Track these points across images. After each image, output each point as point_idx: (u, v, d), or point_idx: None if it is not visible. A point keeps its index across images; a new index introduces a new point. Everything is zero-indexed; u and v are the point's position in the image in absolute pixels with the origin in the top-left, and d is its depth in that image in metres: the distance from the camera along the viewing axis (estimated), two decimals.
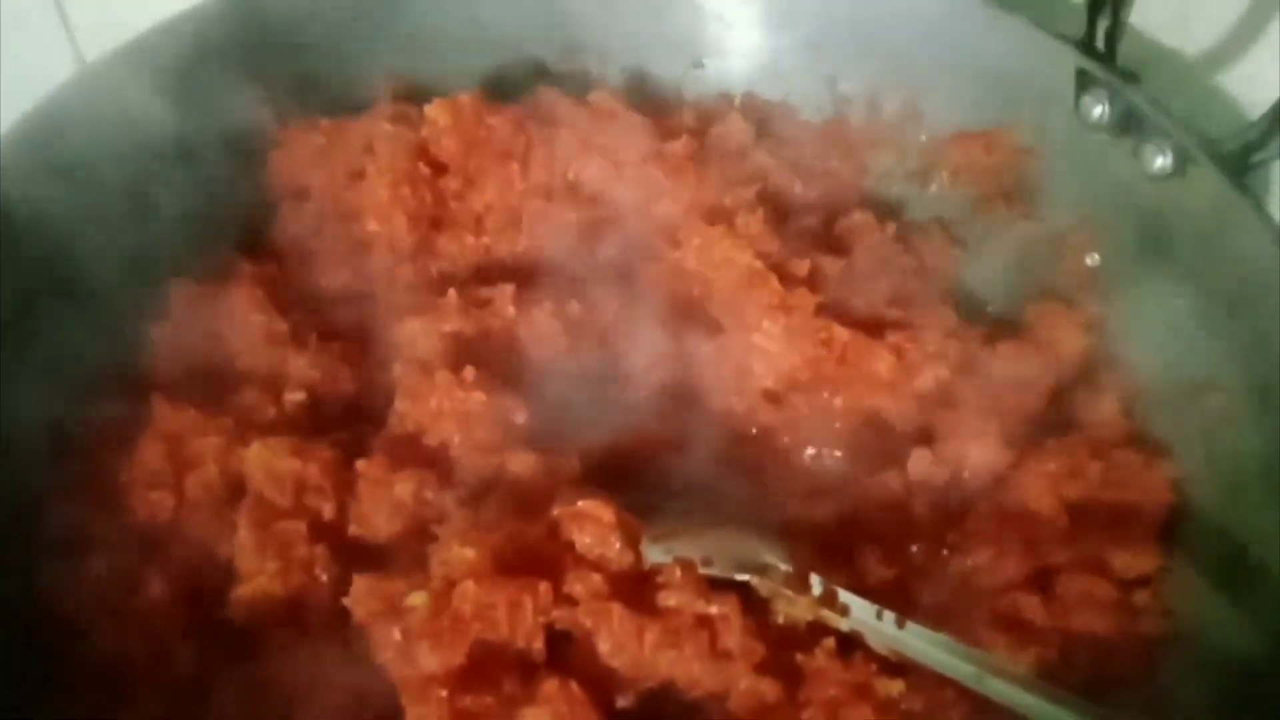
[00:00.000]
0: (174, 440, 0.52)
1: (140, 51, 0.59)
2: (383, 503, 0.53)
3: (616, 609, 0.47)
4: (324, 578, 0.51)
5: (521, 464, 0.53)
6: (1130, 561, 0.51)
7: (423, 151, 0.62)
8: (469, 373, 0.55)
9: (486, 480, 0.54)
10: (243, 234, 0.63)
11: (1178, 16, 0.65)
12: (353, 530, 0.53)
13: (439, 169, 0.62)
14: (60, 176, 0.56)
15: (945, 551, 0.53)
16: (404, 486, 0.53)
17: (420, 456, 0.54)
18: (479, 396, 0.55)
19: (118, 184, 0.58)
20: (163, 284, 0.59)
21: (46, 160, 0.56)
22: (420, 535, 0.52)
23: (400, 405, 0.56)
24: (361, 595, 0.49)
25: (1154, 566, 0.51)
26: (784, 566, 0.51)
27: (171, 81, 0.61)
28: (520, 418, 0.55)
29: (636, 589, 0.49)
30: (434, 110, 0.61)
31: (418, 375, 0.56)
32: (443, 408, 0.55)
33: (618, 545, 0.49)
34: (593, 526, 0.49)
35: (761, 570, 0.51)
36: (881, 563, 0.53)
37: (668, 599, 0.48)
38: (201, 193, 0.62)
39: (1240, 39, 0.64)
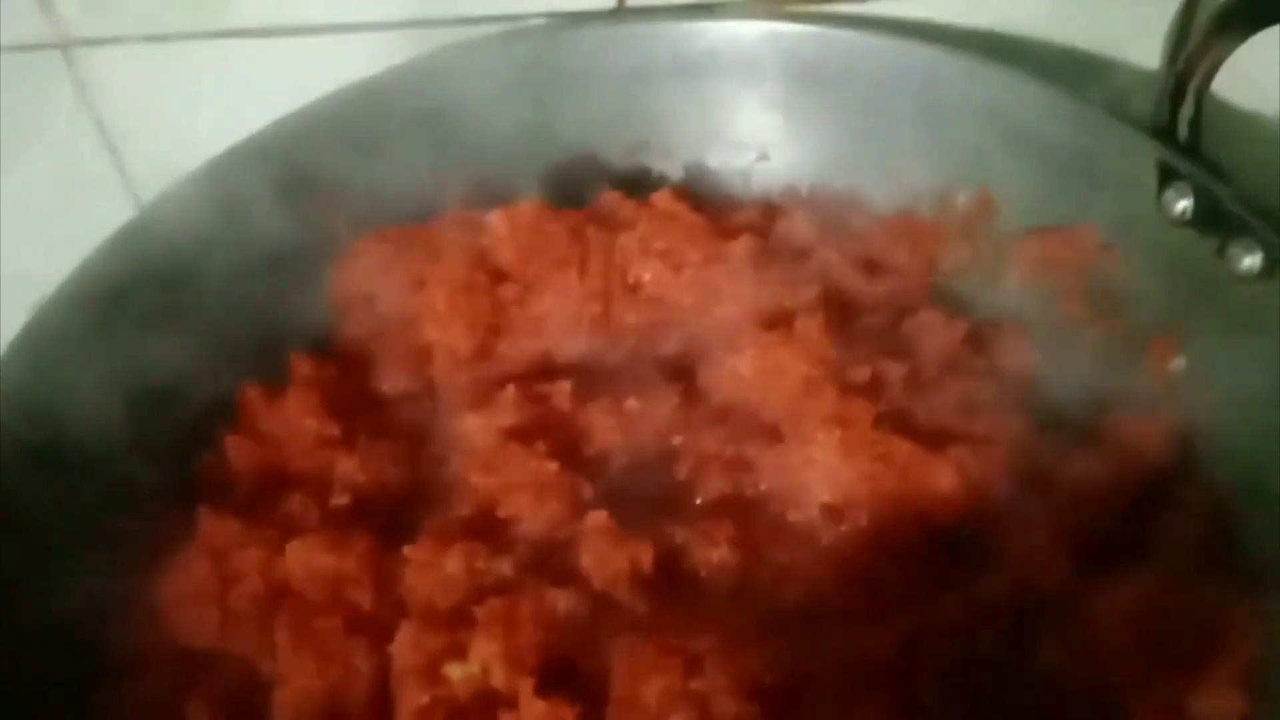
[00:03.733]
0: (218, 554, 0.54)
1: (207, 180, 0.63)
2: (433, 582, 0.53)
3: None
4: (364, 669, 0.52)
5: (594, 523, 0.54)
6: (1211, 708, 0.47)
7: (483, 259, 0.63)
8: (541, 445, 0.56)
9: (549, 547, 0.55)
10: (311, 343, 0.65)
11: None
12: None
13: (499, 276, 0.63)
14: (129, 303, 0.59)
15: (1010, 687, 0.50)
16: (454, 561, 0.53)
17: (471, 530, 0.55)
18: (552, 466, 0.55)
19: (192, 305, 0.61)
20: (234, 392, 0.62)
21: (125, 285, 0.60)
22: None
23: (472, 477, 0.56)
24: (406, 646, 0.50)
25: (1238, 714, 0.47)
26: None
27: (241, 204, 0.63)
28: (588, 493, 0.56)
29: None
30: (494, 218, 0.62)
31: (491, 447, 0.57)
32: (513, 479, 0.55)
33: None
34: None
35: None
36: (944, 695, 0.51)
37: None
38: (274, 305, 0.64)
39: None
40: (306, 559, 0.52)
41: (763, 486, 0.58)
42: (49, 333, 0.59)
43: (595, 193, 0.67)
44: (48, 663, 0.51)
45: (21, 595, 0.53)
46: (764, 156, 0.70)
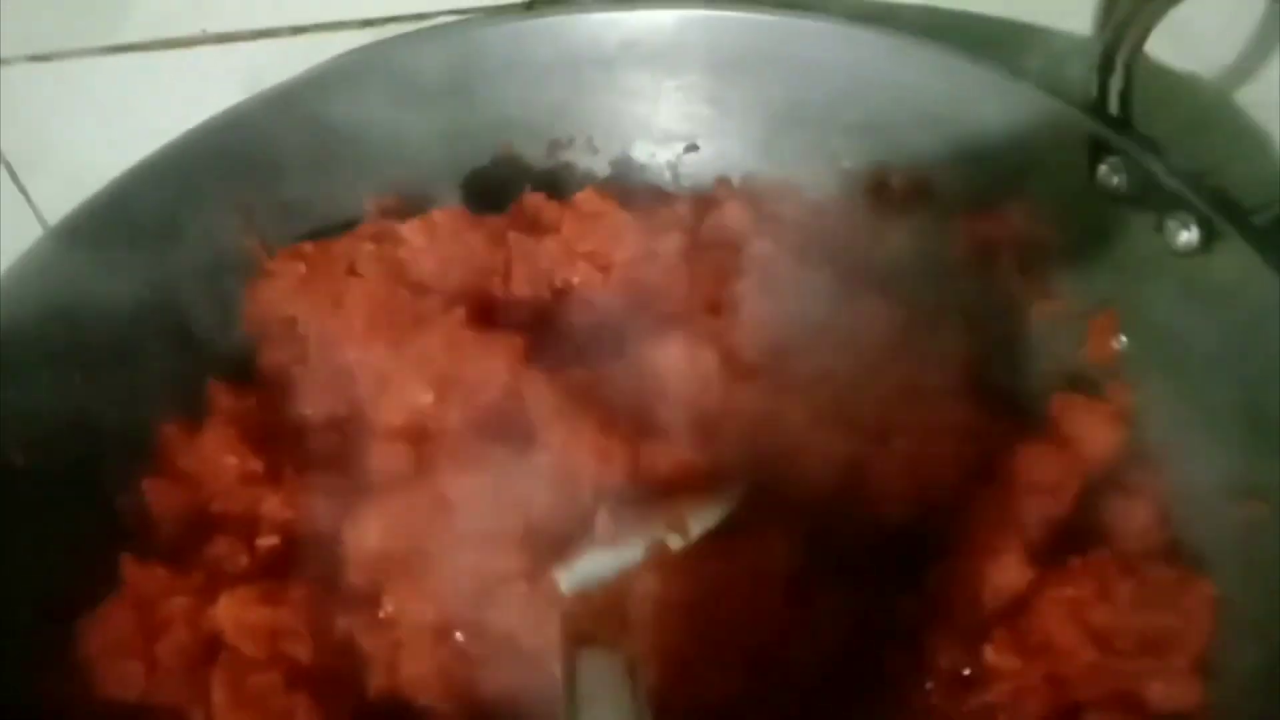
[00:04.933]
0: (143, 604, 0.51)
1: (107, 205, 0.59)
2: None
3: None
4: None
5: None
6: (1167, 695, 0.46)
7: (403, 272, 0.60)
8: None
9: None
10: (231, 371, 0.62)
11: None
12: None
13: (419, 289, 0.60)
14: (39, 339, 0.56)
15: (962, 688, 0.49)
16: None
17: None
18: None
19: (101, 339, 0.58)
20: (151, 431, 0.59)
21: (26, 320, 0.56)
22: None
23: None
24: None
25: (1194, 701, 0.46)
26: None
27: (144, 227, 0.60)
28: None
29: None
30: (409, 231, 0.60)
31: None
32: None
33: None
34: None
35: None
36: (894, 700, 0.49)
37: None
38: (188, 332, 0.61)
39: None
40: (239, 613, 0.50)
41: None
42: None
43: (519, 195, 0.65)
44: None
45: None
46: (693, 147, 0.68)
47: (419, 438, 0.55)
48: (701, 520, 0.50)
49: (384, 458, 0.55)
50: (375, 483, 0.54)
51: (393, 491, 0.53)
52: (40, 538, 0.53)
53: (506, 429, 0.55)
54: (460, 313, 0.56)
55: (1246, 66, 0.68)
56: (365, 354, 0.59)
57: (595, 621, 0.46)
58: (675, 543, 0.50)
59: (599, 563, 0.49)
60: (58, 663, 0.51)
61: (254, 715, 0.49)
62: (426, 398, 0.56)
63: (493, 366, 0.55)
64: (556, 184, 0.67)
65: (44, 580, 0.53)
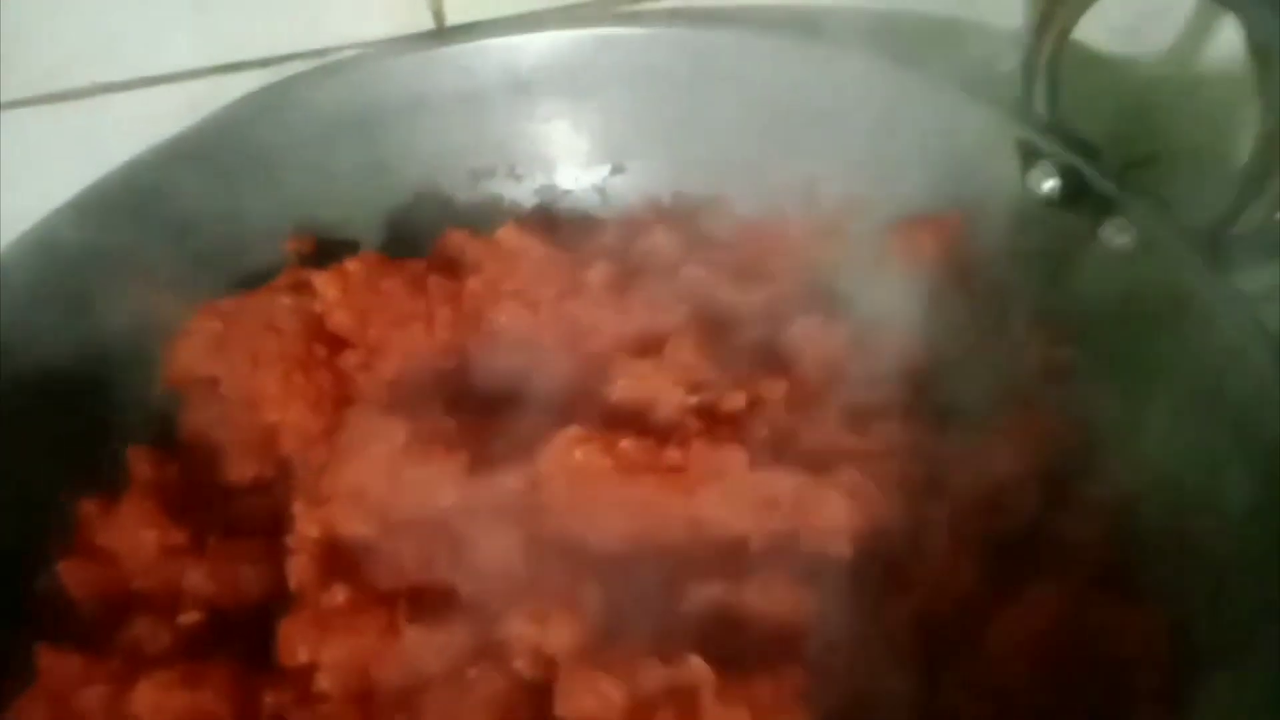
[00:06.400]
0: (58, 696, 0.48)
1: (14, 259, 0.57)
2: None
3: None
4: None
5: None
6: None
7: (320, 327, 0.58)
8: None
9: None
10: (151, 436, 0.59)
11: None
12: None
13: (338, 344, 0.58)
14: None
15: None
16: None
17: None
18: None
19: (9, 407, 0.55)
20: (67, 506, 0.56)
21: None
22: None
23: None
24: None
25: None
26: None
27: (57, 285, 0.58)
28: None
29: None
30: (321, 283, 0.57)
31: None
32: None
33: None
34: None
35: None
36: None
37: None
38: (106, 397, 0.59)
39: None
40: (158, 699, 0.47)
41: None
42: None
43: (445, 231, 0.63)
44: None
45: None
46: (619, 169, 0.66)
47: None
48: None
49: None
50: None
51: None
52: None
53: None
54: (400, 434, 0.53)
55: (1184, 48, 0.67)
56: (286, 416, 0.56)
57: None
58: None
59: None
60: None
61: None
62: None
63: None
64: (482, 216, 0.64)
65: None
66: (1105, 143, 0.53)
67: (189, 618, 0.52)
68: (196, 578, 0.53)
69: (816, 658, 0.49)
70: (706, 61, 0.61)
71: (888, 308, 0.59)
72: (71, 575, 0.53)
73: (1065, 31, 0.50)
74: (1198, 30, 0.66)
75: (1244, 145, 0.50)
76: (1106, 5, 0.54)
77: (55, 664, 0.50)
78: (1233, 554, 0.45)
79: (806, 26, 0.62)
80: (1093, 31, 0.61)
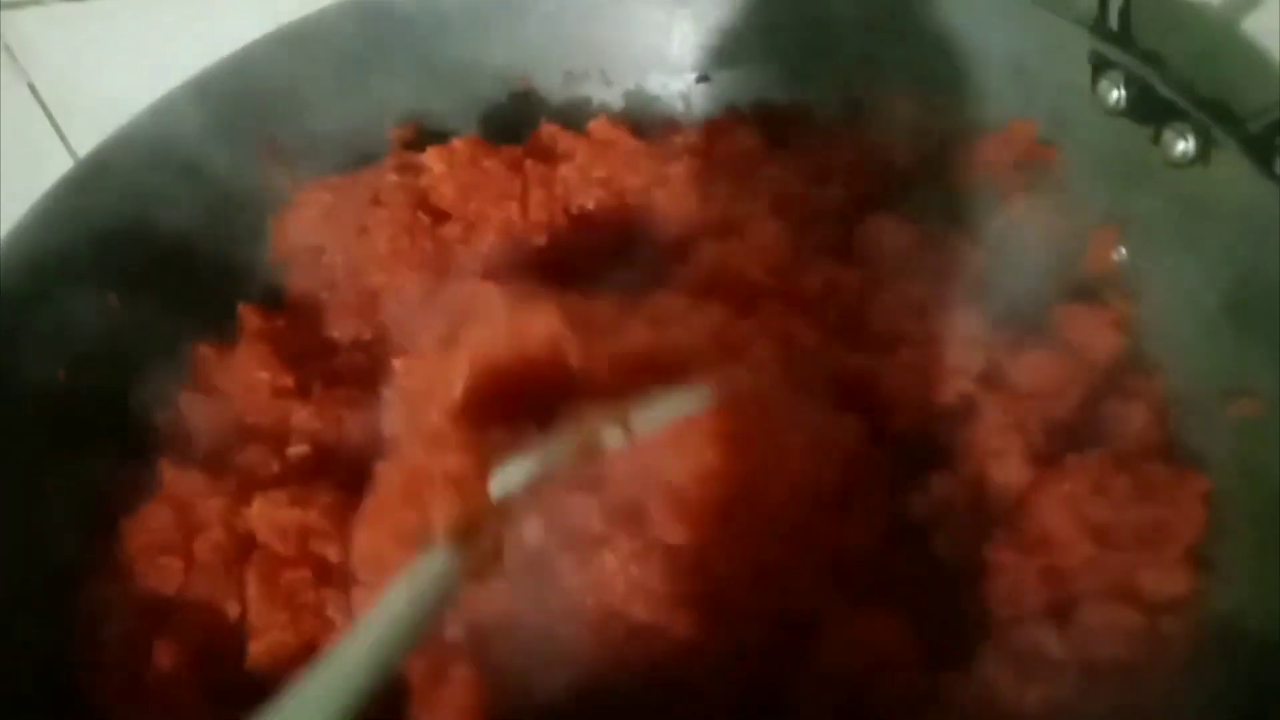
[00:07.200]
0: (181, 505, 0.54)
1: (138, 131, 0.61)
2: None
3: None
4: (337, 619, 0.52)
5: None
6: (1159, 584, 0.47)
7: (424, 200, 0.62)
8: None
9: None
10: (260, 295, 0.64)
11: None
12: None
13: (441, 216, 0.62)
14: (73, 263, 0.58)
15: (961, 584, 0.51)
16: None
17: None
18: None
19: (134, 265, 0.61)
20: (185, 351, 0.61)
21: (61, 246, 0.59)
22: None
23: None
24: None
25: (1185, 589, 0.47)
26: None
27: (177, 157, 0.62)
28: None
29: None
30: (429, 158, 0.62)
31: None
32: None
33: None
34: None
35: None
36: (897, 601, 0.51)
37: None
38: (221, 259, 0.64)
39: None
40: (271, 514, 0.52)
41: None
42: None
43: (536, 128, 0.67)
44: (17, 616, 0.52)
45: None
46: (704, 77, 0.69)
47: None
48: (650, 416, 0.46)
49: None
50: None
51: None
52: (82, 449, 0.57)
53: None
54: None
55: None
56: (390, 279, 0.61)
57: (472, 531, 0.44)
58: (614, 439, 0.45)
59: (527, 465, 0.45)
60: (101, 563, 0.54)
61: (286, 608, 0.51)
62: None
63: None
64: (572, 117, 0.68)
65: (87, 486, 0.56)
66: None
67: (298, 450, 0.57)
68: (304, 416, 0.58)
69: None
70: None
71: (956, 211, 0.63)
72: (190, 406, 0.59)
73: None
74: None
75: None
76: None
77: (178, 478, 0.55)
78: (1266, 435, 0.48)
79: None
80: None
